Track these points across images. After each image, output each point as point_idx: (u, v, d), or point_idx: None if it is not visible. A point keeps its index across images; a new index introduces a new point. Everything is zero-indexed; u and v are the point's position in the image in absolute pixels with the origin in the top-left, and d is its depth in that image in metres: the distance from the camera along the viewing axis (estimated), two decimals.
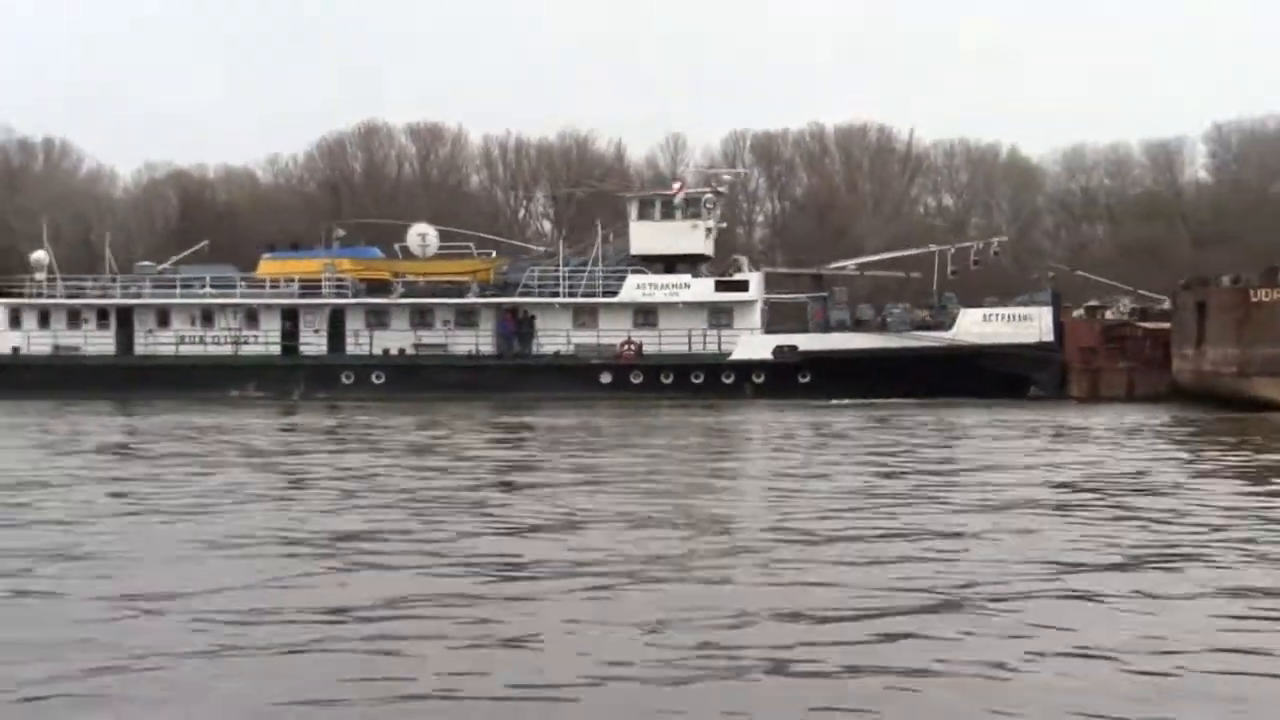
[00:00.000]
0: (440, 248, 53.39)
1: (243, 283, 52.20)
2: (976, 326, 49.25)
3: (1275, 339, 37.51)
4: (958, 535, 15.12)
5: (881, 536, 15.14)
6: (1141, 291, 58.97)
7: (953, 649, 9.75)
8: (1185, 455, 26.08)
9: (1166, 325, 49.36)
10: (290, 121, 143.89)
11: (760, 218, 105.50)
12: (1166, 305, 56.09)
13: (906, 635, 10.19)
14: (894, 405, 44.00)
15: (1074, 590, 12.02)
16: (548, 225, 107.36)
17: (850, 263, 53.70)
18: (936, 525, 15.76)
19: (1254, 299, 38.64)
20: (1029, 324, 49.15)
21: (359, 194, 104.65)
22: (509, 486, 20.62)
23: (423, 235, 53.05)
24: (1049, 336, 49.17)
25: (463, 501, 18.48)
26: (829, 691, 8.80)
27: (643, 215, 51.07)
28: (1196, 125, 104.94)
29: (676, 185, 53.40)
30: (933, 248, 52.96)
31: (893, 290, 54.56)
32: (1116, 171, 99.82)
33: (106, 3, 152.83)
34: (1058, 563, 13.26)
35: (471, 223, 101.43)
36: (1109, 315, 56.24)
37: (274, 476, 22.11)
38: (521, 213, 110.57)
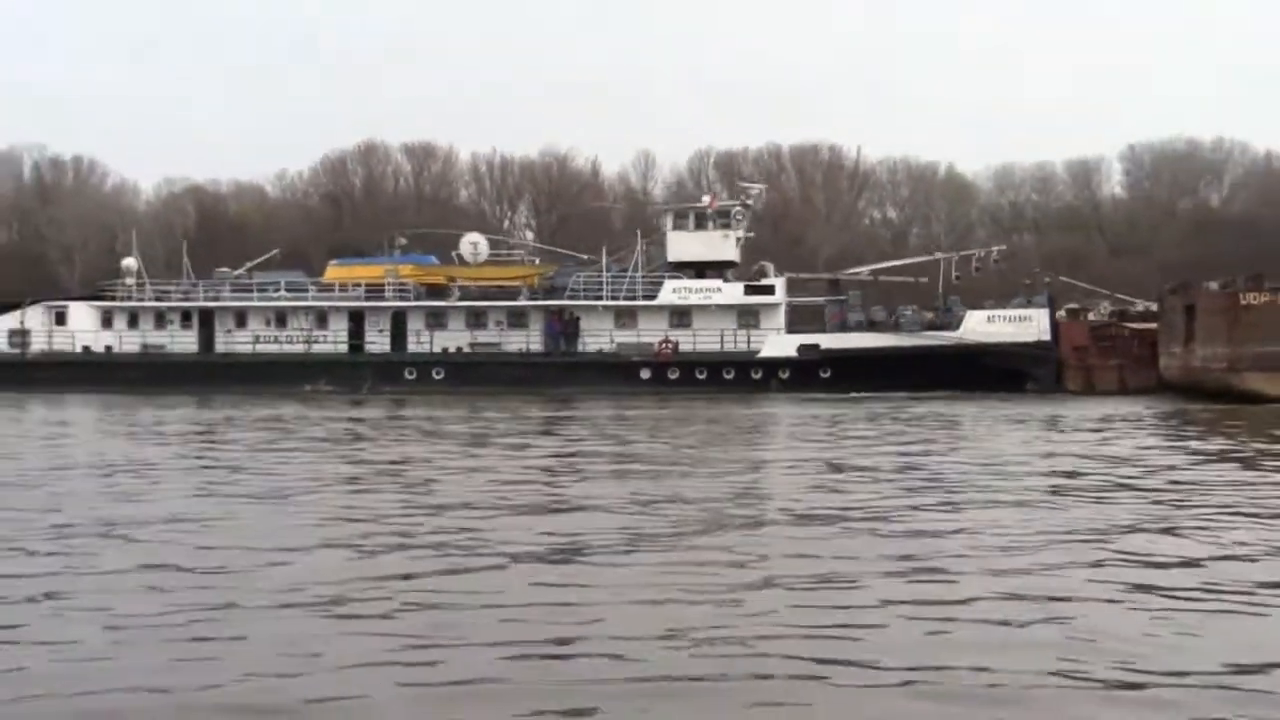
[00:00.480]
0: (489, 255, 56.81)
1: (312, 287, 55.28)
2: (981, 326, 52.43)
3: (1263, 338, 40.97)
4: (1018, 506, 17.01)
5: (931, 513, 16.47)
6: (1119, 295, 62.81)
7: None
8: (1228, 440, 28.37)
9: (1152, 326, 52.72)
10: (294, 130, 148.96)
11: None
12: (1140, 307, 60.04)
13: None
14: (908, 399, 46.41)
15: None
16: (530, 235, 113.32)
17: (864, 269, 57.26)
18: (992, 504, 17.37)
19: (1243, 302, 42.04)
20: (1028, 324, 52.22)
21: (359, 207, 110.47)
22: (573, 471, 22.45)
23: (474, 244, 56.43)
24: (1046, 336, 52.22)
25: (531, 484, 20.08)
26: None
27: (678, 225, 54.33)
28: (1114, 145, 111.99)
29: (708, 198, 56.36)
30: (938, 255, 56.53)
31: (899, 293, 57.86)
32: (1042, 187, 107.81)
33: (108, 22, 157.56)
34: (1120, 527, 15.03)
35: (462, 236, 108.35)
36: (1091, 317, 59.96)
37: (352, 465, 23.85)
38: (506, 224, 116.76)
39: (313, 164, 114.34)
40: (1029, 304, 53.73)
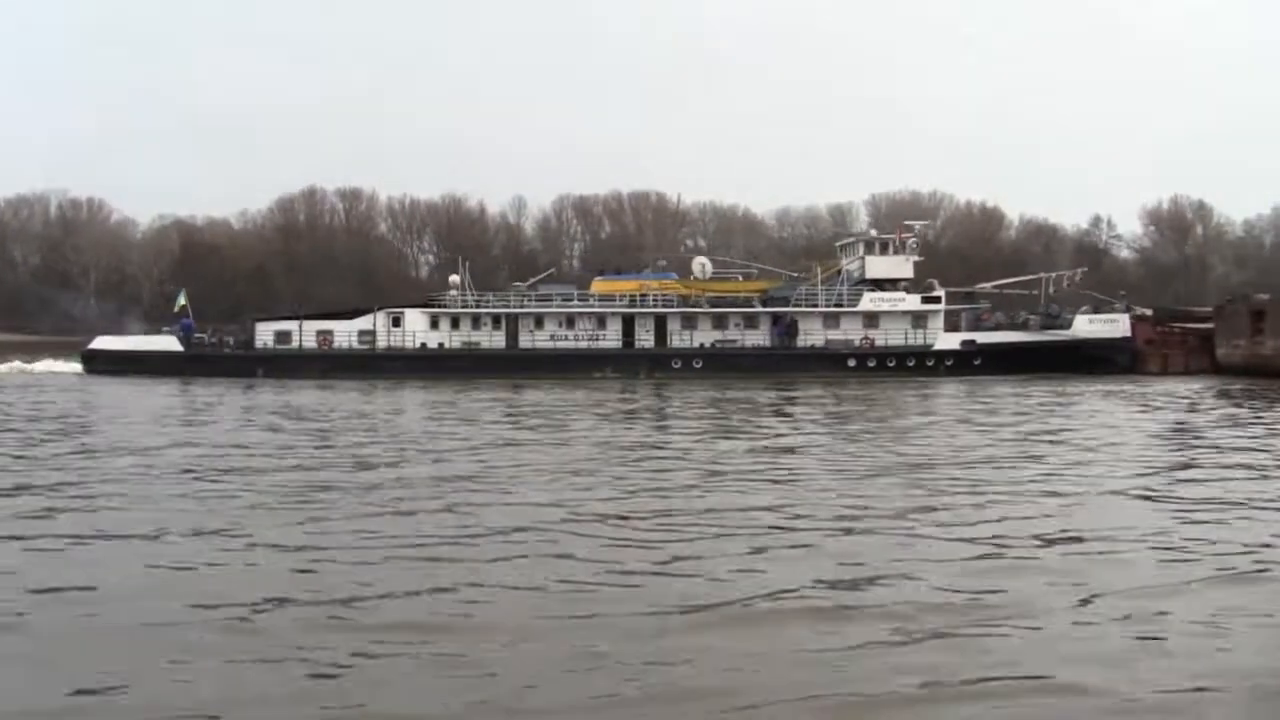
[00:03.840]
0: (714, 273, 65.64)
1: (590, 297, 62.76)
2: (1085, 326, 62.45)
3: None
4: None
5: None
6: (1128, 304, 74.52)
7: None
8: None
9: (1201, 325, 63.92)
10: (253, 174, 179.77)
11: (577, 251, 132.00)
12: (1137, 312, 71.08)
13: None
14: (1040, 379, 54.17)
15: None
16: (432, 259, 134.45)
17: (989, 285, 68.57)
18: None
19: None
20: (1116, 325, 62.72)
21: (304, 238, 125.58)
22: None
23: (703, 264, 65.27)
24: (1127, 333, 62.55)
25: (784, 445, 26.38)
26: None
27: (868, 251, 64.06)
28: (860, 193, 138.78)
29: (890, 233, 65.89)
30: (1042, 275, 66.95)
31: (1015, 302, 69.22)
32: (811, 224, 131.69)
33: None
34: None
35: (380, 260, 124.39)
36: None
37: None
38: (412, 250, 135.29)
39: (269, 203, 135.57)
40: (1110, 310, 64.52)
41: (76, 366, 60.98)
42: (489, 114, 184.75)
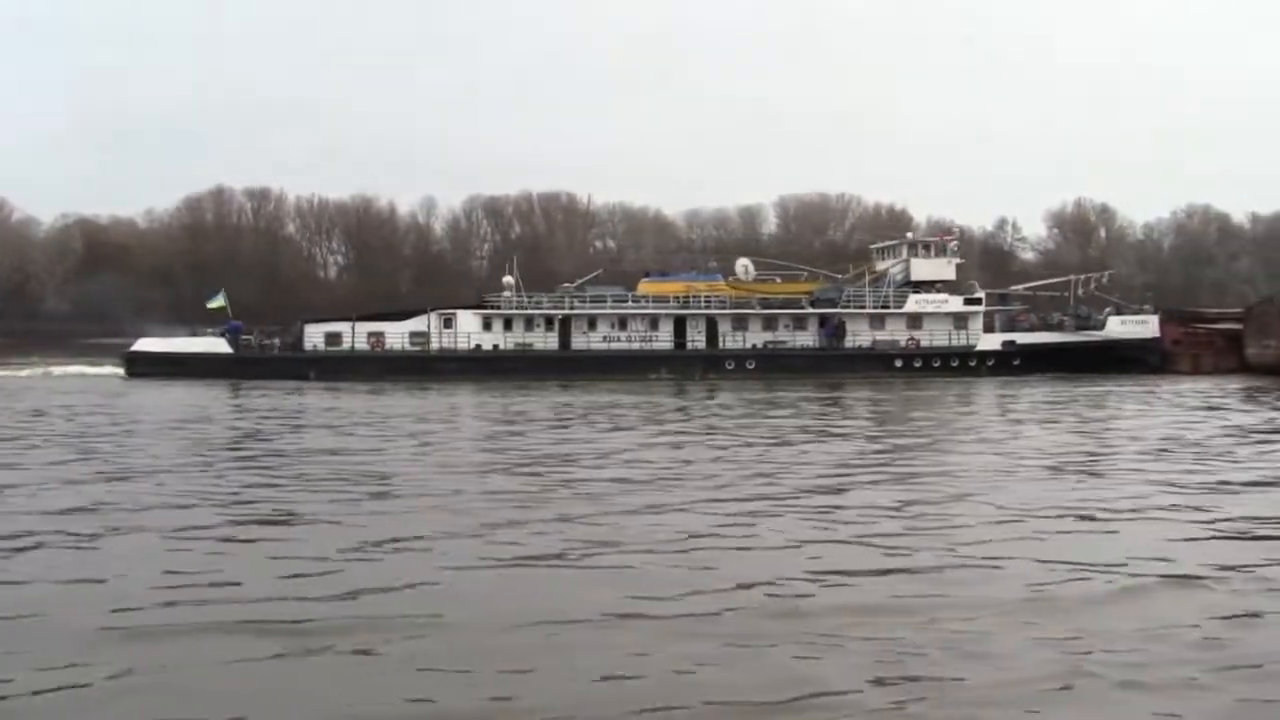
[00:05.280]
0: (757, 275, 65.07)
1: (644, 298, 61.49)
2: (1118, 327, 63.11)
3: None
4: None
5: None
6: (1135, 305, 75.44)
7: None
8: None
9: (1227, 326, 64.91)
10: (159, 172, 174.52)
11: (486, 251, 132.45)
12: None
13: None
14: (1080, 379, 53.78)
15: None
16: (341, 259, 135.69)
17: (1020, 287, 69.04)
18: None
19: None
20: (1146, 326, 63.54)
21: (211, 238, 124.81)
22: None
23: (745, 266, 64.60)
24: (1156, 334, 63.24)
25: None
26: None
27: (911, 254, 63.85)
28: (769, 195, 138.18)
29: (933, 236, 66.57)
30: (1071, 277, 67.70)
31: (1043, 304, 69.60)
32: (721, 225, 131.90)
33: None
34: None
35: (287, 261, 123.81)
36: None
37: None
38: (321, 250, 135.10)
39: (176, 202, 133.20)
40: (1118, 311, 65.06)
41: (116, 370, 58.60)
42: (398, 115, 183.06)
